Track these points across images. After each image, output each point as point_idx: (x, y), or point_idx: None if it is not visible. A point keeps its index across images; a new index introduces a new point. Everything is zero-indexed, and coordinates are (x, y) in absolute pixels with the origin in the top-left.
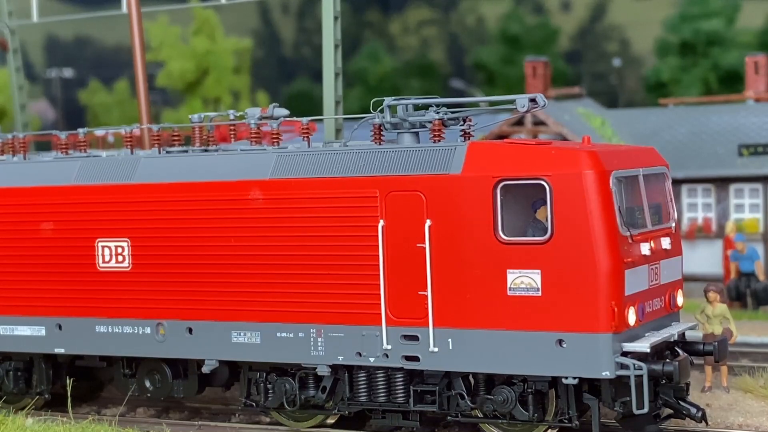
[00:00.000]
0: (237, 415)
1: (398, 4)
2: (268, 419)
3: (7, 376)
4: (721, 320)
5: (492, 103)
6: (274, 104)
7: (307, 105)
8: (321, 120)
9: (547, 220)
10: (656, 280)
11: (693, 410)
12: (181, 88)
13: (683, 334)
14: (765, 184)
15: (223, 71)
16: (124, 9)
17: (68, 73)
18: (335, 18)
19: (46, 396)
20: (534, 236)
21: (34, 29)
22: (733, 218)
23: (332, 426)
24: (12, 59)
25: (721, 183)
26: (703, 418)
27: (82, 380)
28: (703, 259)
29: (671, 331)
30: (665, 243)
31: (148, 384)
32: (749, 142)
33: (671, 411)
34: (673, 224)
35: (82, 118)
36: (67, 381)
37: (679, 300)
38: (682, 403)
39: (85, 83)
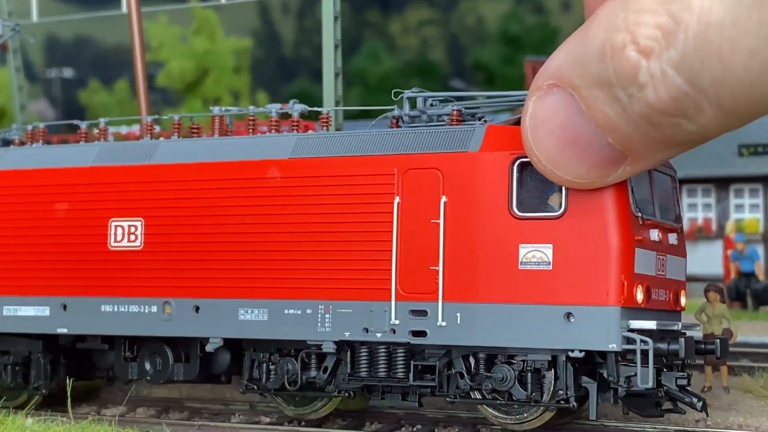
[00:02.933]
0: (237, 415)
1: (398, 4)
2: (267, 419)
3: (5, 371)
4: (721, 320)
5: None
6: (294, 100)
7: (307, 105)
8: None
9: (560, 204)
10: (663, 271)
11: (694, 400)
12: (181, 88)
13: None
14: (765, 184)
15: (223, 71)
16: (124, 9)
17: (68, 73)
18: (335, 18)
19: (43, 391)
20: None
21: (34, 29)
22: (733, 218)
23: (332, 426)
24: (12, 59)
25: (721, 183)
26: (704, 408)
27: (80, 379)
28: (703, 259)
29: (675, 326)
30: (672, 239)
31: (148, 366)
32: (749, 142)
33: (671, 407)
34: (680, 226)
35: (82, 118)
36: (64, 376)
37: (682, 301)
38: (683, 392)
39: (85, 83)
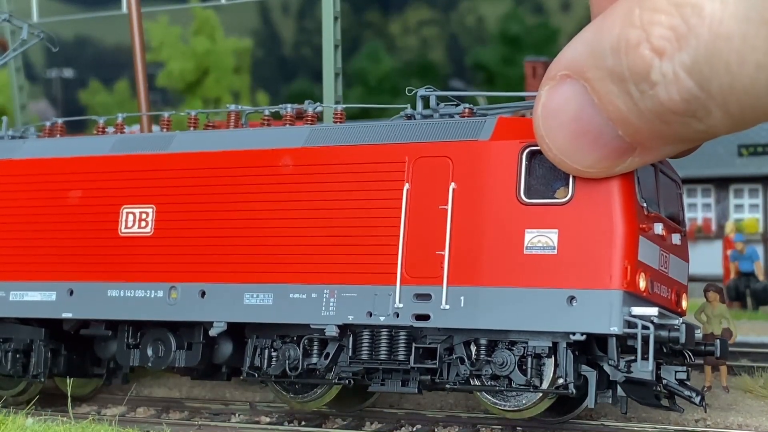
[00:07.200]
0: (237, 415)
1: (398, 4)
2: (267, 419)
3: (5, 357)
4: (721, 320)
5: (489, 100)
6: (308, 101)
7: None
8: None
9: (566, 197)
10: (665, 267)
11: (693, 394)
12: (181, 88)
13: None
14: (764, 184)
15: (223, 71)
16: (124, 9)
17: (68, 73)
18: (335, 18)
19: (42, 380)
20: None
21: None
22: (732, 218)
23: (332, 426)
24: (12, 59)
25: (721, 183)
26: (702, 402)
27: (79, 375)
28: (703, 259)
29: (676, 320)
30: (675, 239)
31: (150, 353)
32: (749, 142)
33: (668, 404)
34: (684, 230)
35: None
36: (65, 367)
37: (684, 304)
38: (682, 386)
39: (85, 83)
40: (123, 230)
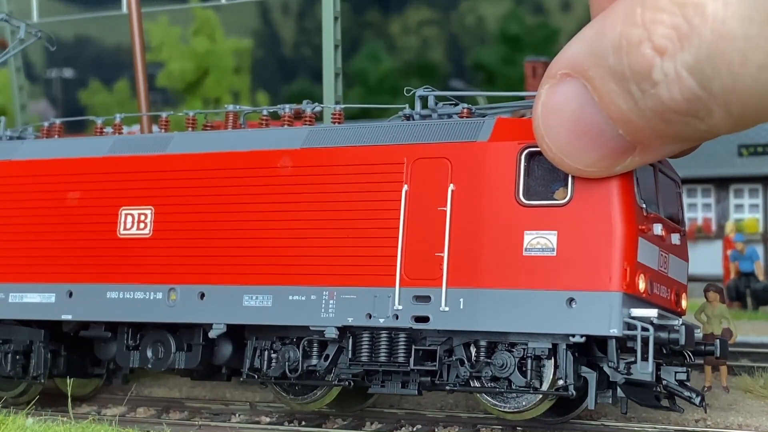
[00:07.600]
0: (237, 415)
1: (398, 4)
2: (267, 419)
3: (5, 359)
4: (721, 320)
5: (489, 100)
6: (307, 100)
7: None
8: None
9: (567, 188)
10: (665, 268)
11: (693, 395)
12: (181, 88)
13: None
14: (765, 184)
15: (223, 71)
16: (124, 9)
17: (68, 73)
18: (335, 18)
19: (42, 381)
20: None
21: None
22: (732, 218)
23: (332, 426)
24: (12, 59)
25: (721, 183)
26: (702, 402)
27: (79, 375)
28: (703, 259)
29: (676, 321)
30: (675, 239)
31: (150, 354)
32: (749, 142)
33: (668, 405)
34: (683, 230)
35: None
36: (64, 368)
37: (683, 304)
38: (681, 387)
39: (85, 83)
40: (122, 232)
